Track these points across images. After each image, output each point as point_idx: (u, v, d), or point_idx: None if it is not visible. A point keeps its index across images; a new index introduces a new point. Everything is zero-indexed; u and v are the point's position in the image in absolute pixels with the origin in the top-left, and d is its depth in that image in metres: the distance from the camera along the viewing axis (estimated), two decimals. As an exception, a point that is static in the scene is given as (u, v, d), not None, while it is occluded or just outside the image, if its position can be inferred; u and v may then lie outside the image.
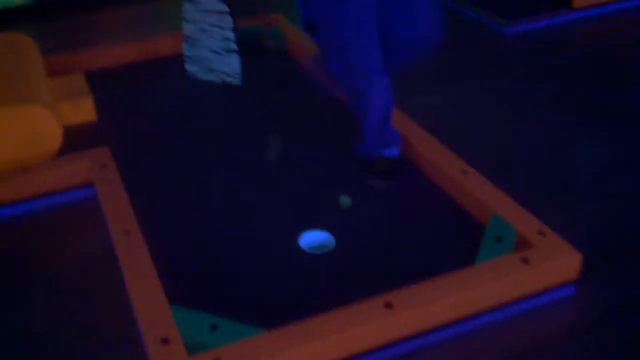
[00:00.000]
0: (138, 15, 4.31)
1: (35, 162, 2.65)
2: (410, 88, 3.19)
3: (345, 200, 2.46)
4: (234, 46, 3.26)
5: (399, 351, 1.96)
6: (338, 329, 1.88)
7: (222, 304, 2.07)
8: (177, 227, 2.42)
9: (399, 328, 1.94)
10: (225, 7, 3.21)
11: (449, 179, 2.50)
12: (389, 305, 1.93)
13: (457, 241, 2.30)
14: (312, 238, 2.33)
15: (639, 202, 2.52)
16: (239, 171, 2.69)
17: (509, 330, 2.03)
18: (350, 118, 2.68)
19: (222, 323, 1.95)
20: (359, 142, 2.62)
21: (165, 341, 1.86)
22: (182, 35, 3.39)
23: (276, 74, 3.37)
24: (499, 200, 2.34)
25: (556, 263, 2.09)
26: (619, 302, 2.11)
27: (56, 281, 2.26)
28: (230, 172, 2.69)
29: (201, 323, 1.95)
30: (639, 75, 3.39)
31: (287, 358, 1.83)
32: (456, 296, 1.98)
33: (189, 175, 2.68)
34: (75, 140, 2.84)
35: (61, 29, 4.13)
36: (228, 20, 3.23)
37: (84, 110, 3.03)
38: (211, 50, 3.31)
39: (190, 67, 3.40)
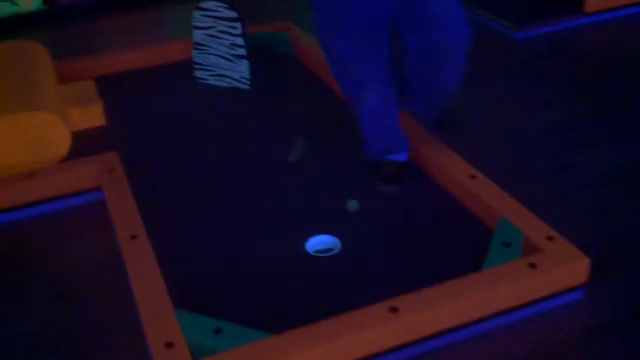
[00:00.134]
0: (148, 21, 4.33)
1: (43, 167, 2.66)
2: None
3: (352, 204, 2.45)
4: (243, 52, 3.27)
5: (404, 356, 1.94)
6: (343, 333, 1.87)
7: (227, 308, 2.07)
8: (184, 231, 2.42)
9: (405, 333, 1.93)
10: (234, 14, 3.22)
11: (457, 183, 2.48)
12: (394, 310, 1.92)
13: (464, 246, 2.28)
14: (319, 241, 2.32)
15: (650, 207, 2.50)
16: (246, 176, 2.69)
17: (516, 336, 2.01)
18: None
19: (227, 327, 1.94)
20: (364, 146, 2.61)
21: (169, 345, 1.85)
22: (191, 41, 3.40)
23: (292, 81, 3.37)
24: (507, 205, 2.32)
25: (565, 268, 2.06)
26: (628, 307, 2.08)
27: (62, 285, 2.27)
28: (238, 177, 2.69)
29: (206, 327, 1.94)
30: (651, 80, 3.37)
31: (292, 362, 1.83)
32: (463, 301, 1.96)
33: (196, 180, 2.68)
34: (85, 145, 2.85)
35: (71, 35, 4.16)
36: (237, 27, 3.24)
37: (94, 116, 3.04)
38: (220, 57, 3.32)
39: (199, 73, 3.41)
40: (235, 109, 3.20)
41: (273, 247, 2.32)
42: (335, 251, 2.28)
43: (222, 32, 3.28)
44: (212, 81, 3.40)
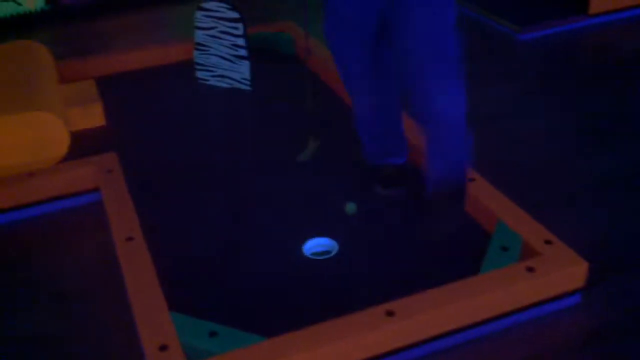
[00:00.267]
0: (149, 22, 4.33)
1: (42, 167, 2.66)
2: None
3: (350, 207, 2.44)
4: (244, 53, 3.26)
5: (400, 359, 1.94)
6: (339, 336, 1.86)
7: (223, 311, 2.06)
8: (180, 233, 2.41)
9: (401, 337, 1.92)
10: (236, 15, 3.21)
11: (456, 186, 2.47)
12: (390, 314, 1.91)
13: (462, 249, 2.27)
14: (316, 244, 2.31)
15: (650, 211, 2.48)
16: (245, 177, 2.68)
17: (513, 339, 2.00)
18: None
19: (222, 330, 1.94)
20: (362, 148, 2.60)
21: (164, 348, 1.85)
22: (192, 41, 3.40)
23: (293, 81, 3.36)
24: (506, 208, 2.31)
25: (563, 272, 2.05)
26: (626, 311, 2.07)
27: (61, 285, 2.27)
28: (237, 178, 2.68)
29: (201, 330, 1.94)
30: (655, 82, 3.35)
31: (287, 366, 1.82)
32: (460, 305, 1.95)
33: (195, 181, 2.68)
34: (85, 145, 2.85)
35: (73, 35, 4.16)
36: (239, 28, 3.23)
37: (94, 116, 3.04)
38: (222, 57, 3.31)
39: (200, 74, 3.40)
40: (235, 109, 3.19)
41: (270, 249, 2.31)
42: (333, 254, 2.27)
43: (224, 32, 3.27)
44: (212, 82, 3.39)
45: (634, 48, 3.68)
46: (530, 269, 2.03)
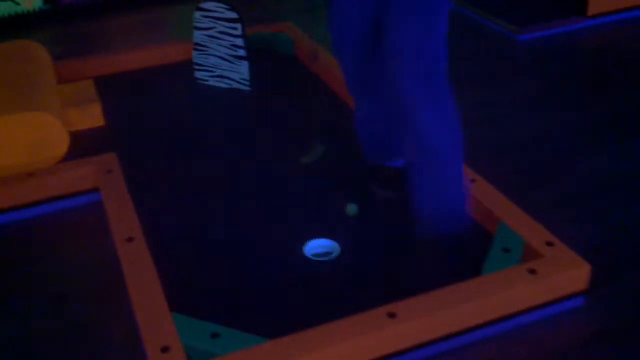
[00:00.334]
0: (148, 22, 4.33)
1: (41, 168, 2.65)
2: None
3: (352, 209, 2.44)
4: (243, 53, 3.25)
5: (402, 362, 1.94)
6: (341, 338, 1.85)
7: (225, 312, 2.05)
8: (181, 234, 2.40)
9: (403, 339, 1.91)
10: (235, 15, 3.21)
11: (458, 187, 2.47)
12: (392, 315, 1.90)
13: (464, 251, 2.26)
14: (317, 245, 2.31)
15: (651, 213, 2.48)
16: (245, 178, 2.68)
17: (515, 342, 2.00)
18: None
19: (224, 332, 1.93)
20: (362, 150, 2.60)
21: (166, 349, 1.84)
22: (191, 42, 3.39)
23: (292, 82, 3.36)
24: (507, 210, 2.31)
25: (565, 274, 2.05)
26: (628, 315, 2.07)
27: (61, 286, 2.26)
28: (237, 179, 2.67)
29: (203, 331, 1.93)
30: (654, 83, 3.35)
31: (289, 368, 1.81)
32: (462, 307, 1.95)
33: (195, 182, 2.67)
34: (84, 146, 2.84)
35: (72, 35, 4.16)
36: (238, 28, 3.22)
37: (93, 117, 3.03)
38: (221, 58, 3.31)
39: (199, 74, 3.40)
40: (235, 110, 3.18)
41: (271, 250, 2.30)
42: (334, 255, 2.27)
43: (223, 33, 3.26)
44: (212, 82, 3.38)
45: (633, 49, 3.68)
46: (532, 271, 2.03)
